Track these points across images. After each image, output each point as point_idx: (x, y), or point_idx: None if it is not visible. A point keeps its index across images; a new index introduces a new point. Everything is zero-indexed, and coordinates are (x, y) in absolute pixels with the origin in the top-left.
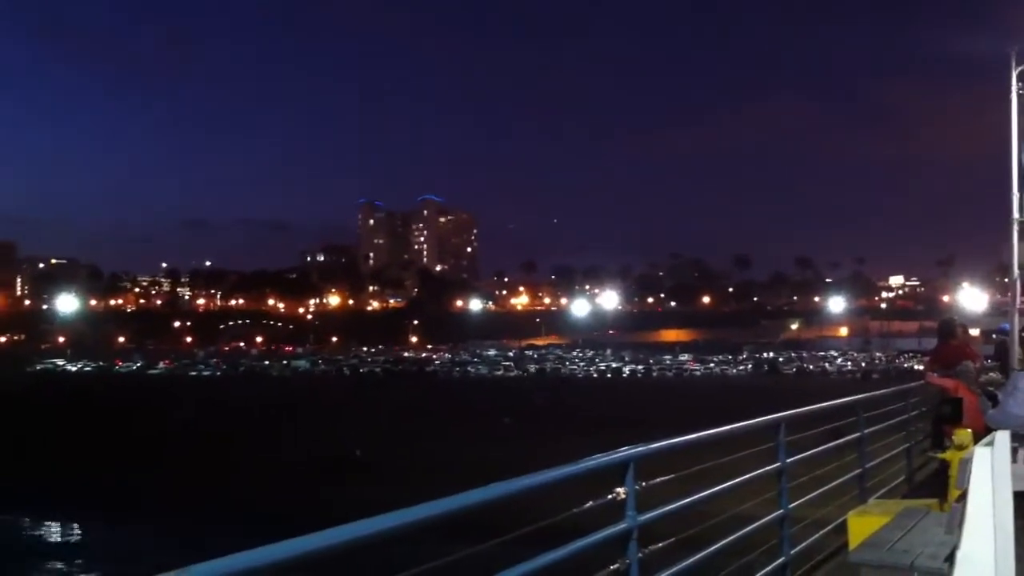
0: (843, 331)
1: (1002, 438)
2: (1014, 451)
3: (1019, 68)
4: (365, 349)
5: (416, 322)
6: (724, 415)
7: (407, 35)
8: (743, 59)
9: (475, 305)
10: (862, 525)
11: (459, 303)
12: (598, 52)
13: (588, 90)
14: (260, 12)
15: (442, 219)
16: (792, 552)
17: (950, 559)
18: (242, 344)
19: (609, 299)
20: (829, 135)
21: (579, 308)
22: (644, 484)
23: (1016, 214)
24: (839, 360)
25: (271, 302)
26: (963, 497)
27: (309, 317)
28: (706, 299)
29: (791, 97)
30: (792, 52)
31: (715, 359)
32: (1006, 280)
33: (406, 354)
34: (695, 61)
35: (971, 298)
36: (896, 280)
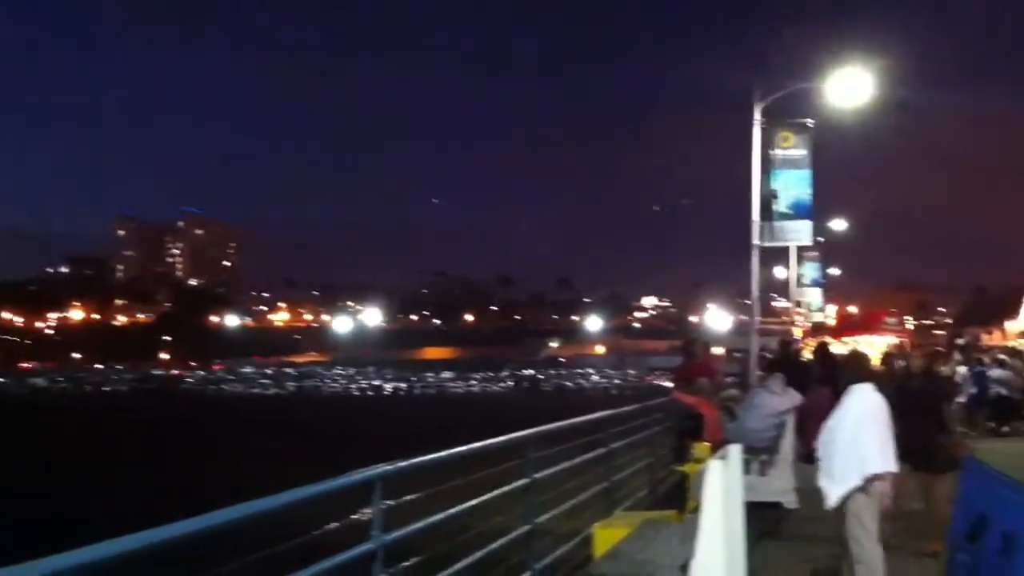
0: (600, 349)
1: (735, 451)
2: (748, 463)
3: (761, 103)
4: (103, 367)
5: (168, 338)
6: (482, 431)
7: (176, 44)
8: (489, 84)
9: (232, 321)
10: (606, 537)
11: (216, 319)
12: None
13: (358, 103)
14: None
15: (200, 231)
16: (538, 566)
17: (684, 568)
18: None
19: (372, 316)
20: (593, 159)
21: (341, 325)
22: (392, 503)
23: (755, 240)
24: (595, 377)
25: (8, 316)
26: (698, 508)
27: (51, 332)
28: (470, 317)
29: (561, 121)
30: (559, 78)
31: (477, 376)
32: (747, 302)
33: (155, 371)
34: (464, 81)
35: (716, 318)
36: (649, 301)
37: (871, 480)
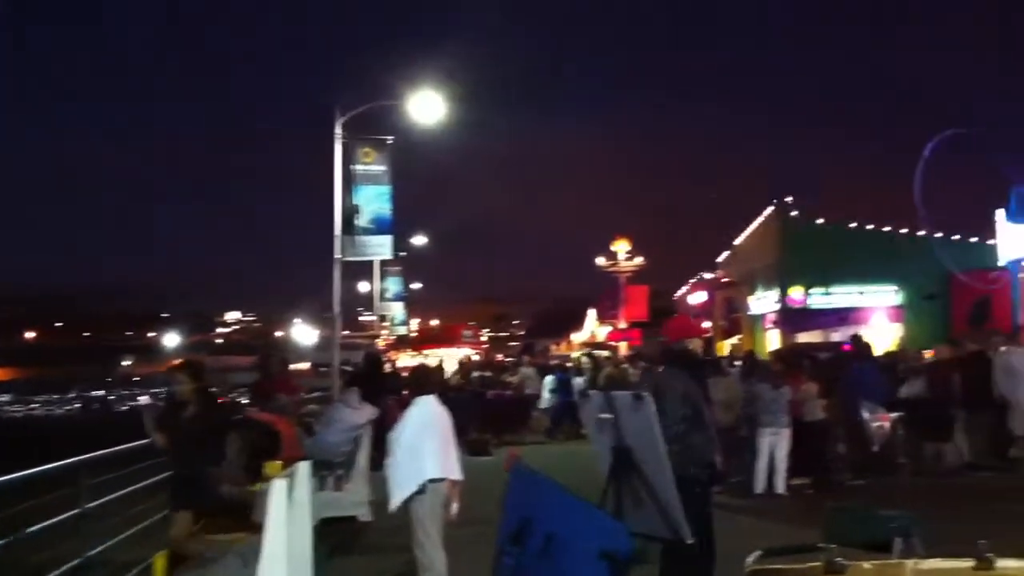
0: None
1: (303, 468)
2: (324, 478)
3: (342, 119)
4: None
5: None
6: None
7: None
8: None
9: None
10: (170, 565)
11: None
12: None
13: None
14: None
15: None
16: None
17: None
18: None
19: None
20: (181, 169)
21: None
22: None
23: (337, 254)
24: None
25: None
26: (261, 528)
27: None
28: (32, 334)
29: (152, 133)
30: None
31: (40, 399)
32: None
33: None
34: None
35: (302, 333)
36: (234, 315)
37: (430, 486)
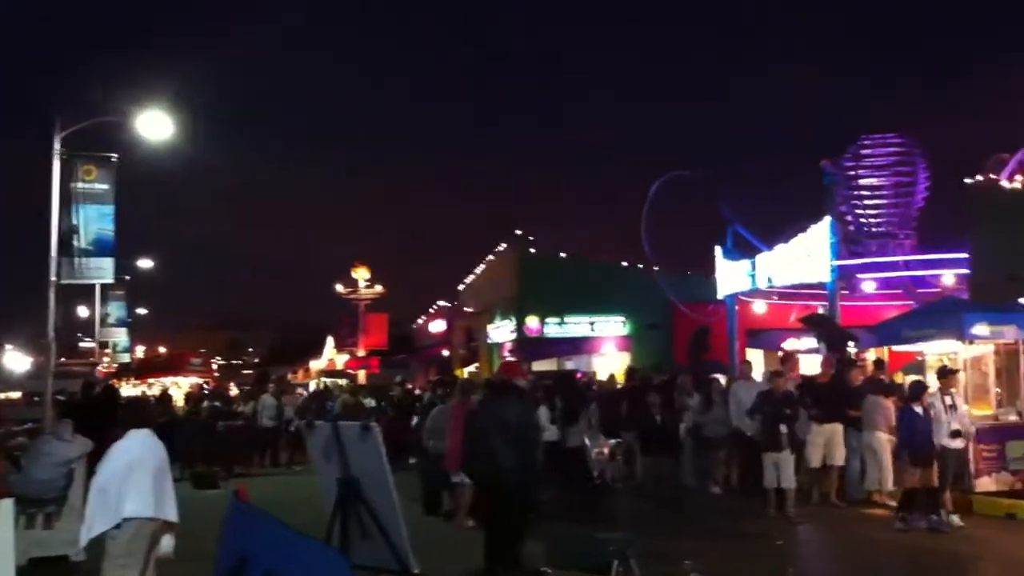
0: None
1: (6, 505)
2: (34, 516)
3: (62, 134)
4: None
5: None
6: None
7: None
8: None
9: None
10: None
11: None
12: None
13: None
14: None
15: None
16: None
17: None
18: None
19: None
20: None
21: None
22: None
23: (53, 277)
24: None
25: None
26: None
27: None
28: None
29: None
30: None
31: None
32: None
33: None
34: None
35: (14, 360)
36: None
37: (129, 524)
